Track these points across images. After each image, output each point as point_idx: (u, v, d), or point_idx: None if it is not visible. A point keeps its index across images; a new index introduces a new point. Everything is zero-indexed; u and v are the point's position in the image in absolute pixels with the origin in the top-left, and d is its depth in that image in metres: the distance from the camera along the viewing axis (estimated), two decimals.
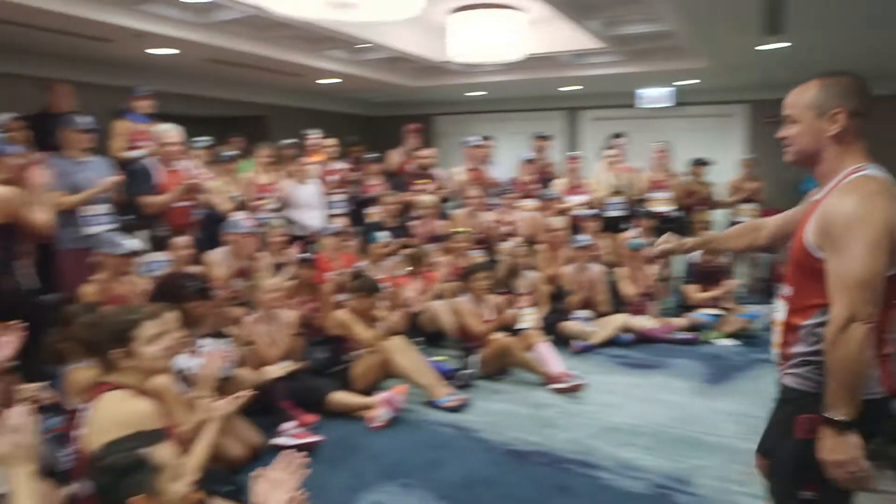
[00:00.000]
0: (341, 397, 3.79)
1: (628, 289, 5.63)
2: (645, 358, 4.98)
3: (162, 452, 1.57)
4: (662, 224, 6.04)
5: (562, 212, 6.34)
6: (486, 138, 6.98)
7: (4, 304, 3.08)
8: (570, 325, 5.27)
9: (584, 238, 5.62)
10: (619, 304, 5.63)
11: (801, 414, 1.70)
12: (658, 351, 5.15)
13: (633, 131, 7.49)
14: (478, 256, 5.78)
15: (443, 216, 6.30)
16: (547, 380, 4.29)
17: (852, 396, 1.59)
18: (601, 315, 5.49)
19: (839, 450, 1.60)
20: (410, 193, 6.26)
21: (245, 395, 2.31)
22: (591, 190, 6.48)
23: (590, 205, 6.36)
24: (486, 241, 6.06)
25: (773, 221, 2.09)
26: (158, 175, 4.50)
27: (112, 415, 1.91)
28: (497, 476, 3.10)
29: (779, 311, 1.84)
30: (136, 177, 4.50)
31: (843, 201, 1.60)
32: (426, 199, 6.05)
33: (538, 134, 7.13)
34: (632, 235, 5.80)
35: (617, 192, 6.35)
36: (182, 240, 4.28)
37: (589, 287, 5.46)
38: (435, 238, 5.86)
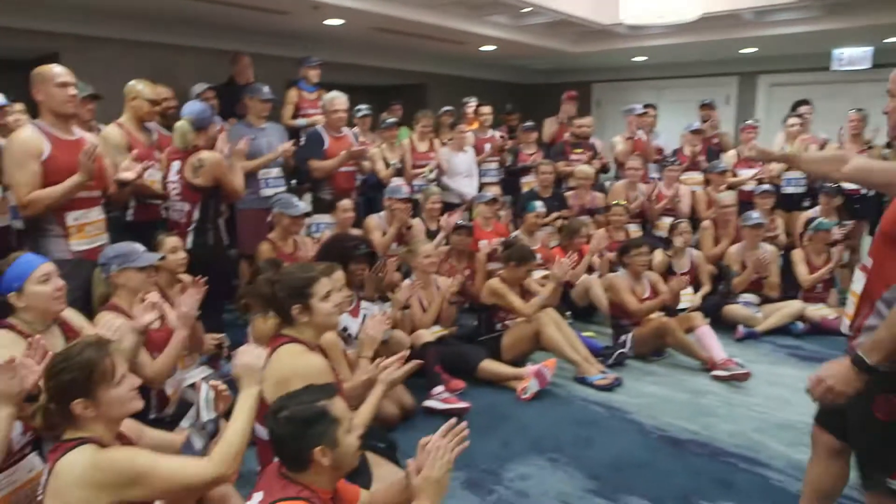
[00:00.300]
0: (492, 366, 3.81)
1: (805, 274, 5.09)
2: (820, 351, 4.50)
3: (338, 405, 1.64)
4: (851, 203, 5.40)
5: (731, 186, 5.87)
6: (647, 106, 6.63)
7: (208, 256, 3.42)
8: (735, 310, 4.88)
9: (755, 215, 5.13)
10: (793, 289, 5.11)
11: (878, 393, 1.66)
12: (837, 345, 4.60)
13: (820, 98, 6.69)
14: (635, 231, 5.52)
15: (600, 188, 6.07)
16: (709, 365, 4.02)
17: (885, 351, 1.58)
18: (770, 300, 5.04)
19: (847, 383, 1.62)
20: (566, 163, 6.09)
21: (413, 365, 2.37)
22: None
23: (763, 179, 5.81)
24: (645, 216, 5.77)
25: (859, 160, 2.05)
26: (326, 141, 4.73)
27: (288, 366, 2.04)
28: (650, 461, 2.96)
29: (857, 282, 1.80)
30: (307, 142, 4.77)
31: None
32: (583, 169, 5.85)
33: (705, 101, 6.63)
34: (814, 214, 5.22)
35: None
36: (345, 203, 4.48)
37: (758, 269, 4.98)
38: (590, 210, 5.68)
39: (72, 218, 2.88)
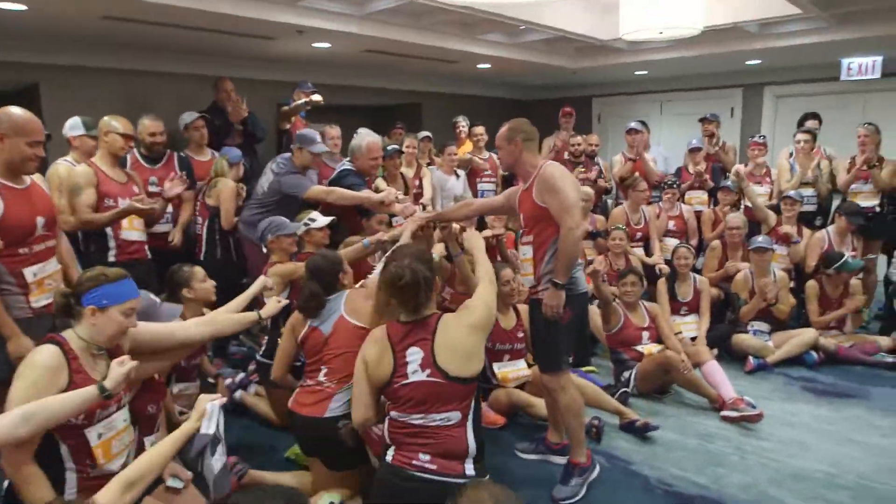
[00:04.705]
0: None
1: (816, 313, 4.81)
2: (837, 384, 4.25)
3: None
4: (866, 221, 5.14)
5: (736, 205, 5.64)
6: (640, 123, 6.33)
7: (217, 265, 3.68)
8: (745, 339, 4.64)
9: (760, 239, 4.87)
10: (807, 316, 4.86)
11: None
12: (855, 376, 4.39)
13: (828, 109, 6.46)
14: (636, 256, 5.28)
15: (602, 210, 5.85)
16: (718, 404, 3.77)
17: (567, 272, 2.71)
18: (782, 328, 4.78)
19: (556, 299, 2.73)
20: None
21: None
22: (775, 181, 5.68)
23: (772, 197, 5.58)
24: (646, 239, 5.54)
25: None
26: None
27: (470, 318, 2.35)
28: None
29: (526, 252, 2.89)
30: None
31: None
32: (583, 189, 5.60)
33: (707, 116, 6.33)
34: (849, 255, 4.82)
35: (807, 184, 5.49)
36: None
37: (765, 296, 4.63)
38: (591, 234, 5.44)
39: (31, 273, 2.67)
